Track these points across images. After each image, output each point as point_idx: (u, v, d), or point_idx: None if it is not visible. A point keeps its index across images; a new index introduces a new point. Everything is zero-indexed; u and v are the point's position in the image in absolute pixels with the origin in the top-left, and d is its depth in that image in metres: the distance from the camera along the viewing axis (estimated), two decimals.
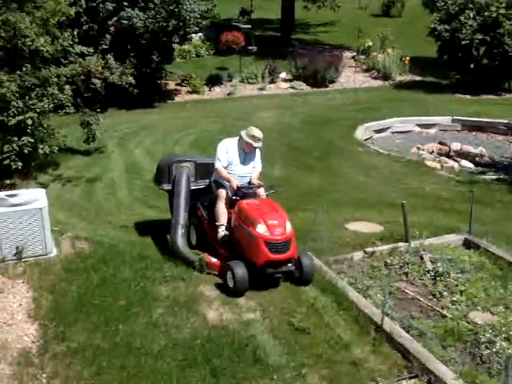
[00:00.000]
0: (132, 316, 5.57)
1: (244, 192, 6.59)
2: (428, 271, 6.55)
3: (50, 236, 6.75)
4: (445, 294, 6.11)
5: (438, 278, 6.37)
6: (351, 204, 8.79)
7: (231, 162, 6.76)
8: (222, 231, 6.56)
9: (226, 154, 6.74)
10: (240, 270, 5.99)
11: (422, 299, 6.05)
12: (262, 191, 6.78)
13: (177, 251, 6.73)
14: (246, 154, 6.81)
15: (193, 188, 7.21)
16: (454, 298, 5.98)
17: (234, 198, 6.59)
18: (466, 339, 5.32)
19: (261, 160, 7.01)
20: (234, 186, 6.60)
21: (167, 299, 5.90)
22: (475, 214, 7.32)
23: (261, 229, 6.05)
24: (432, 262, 6.71)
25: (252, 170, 6.89)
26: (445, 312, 5.77)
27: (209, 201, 6.93)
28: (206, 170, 7.23)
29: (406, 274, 6.57)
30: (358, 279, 6.40)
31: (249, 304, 5.87)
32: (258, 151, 6.94)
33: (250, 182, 6.81)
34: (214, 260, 6.60)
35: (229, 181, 6.67)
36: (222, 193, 6.62)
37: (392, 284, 6.12)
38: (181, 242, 6.76)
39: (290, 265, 6.20)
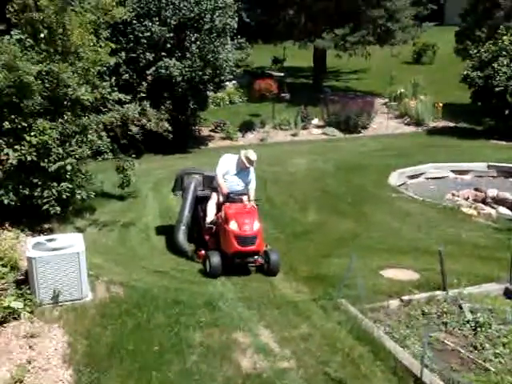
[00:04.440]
0: (165, 363, 5.53)
1: (232, 198, 8.04)
2: (468, 321, 6.34)
3: (86, 280, 6.81)
4: (486, 346, 5.89)
5: (479, 329, 6.17)
6: (386, 250, 8.67)
7: (228, 172, 8.28)
8: (207, 223, 8.22)
9: (225, 165, 8.29)
10: (215, 258, 7.51)
11: (462, 351, 5.84)
12: (245, 199, 8.20)
13: (176, 243, 8.41)
14: (241, 170, 8.29)
15: (200, 195, 8.77)
16: (497, 351, 5.75)
17: (222, 202, 8.07)
18: None
19: (256, 179, 8.56)
20: (224, 192, 8.12)
21: (201, 346, 5.84)
22: None
23: (233, 225, 7.55)
24: (472, 311, 6.51)
25: (243, 183, 8.32)
26: (487, 365, 5.55)
27: (206, 205, 8.46)
28: (212, 181, 8.63)
29: (445, 323, 6.38)
30: (395, 328, 6.24)
31: (283, 352, 5.77)
32: (252, 170, 8.42)
33: (241, 194, 8.22)
34: (202, 252, 8.10)
35: (221, 187, 8.16)
36: (214, 195, 8.38)
37: (430, 334, 5.95)
38: (181, 236, 8.42)
39: (256, 257, 7.65)
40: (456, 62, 21.89)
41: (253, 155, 8.20)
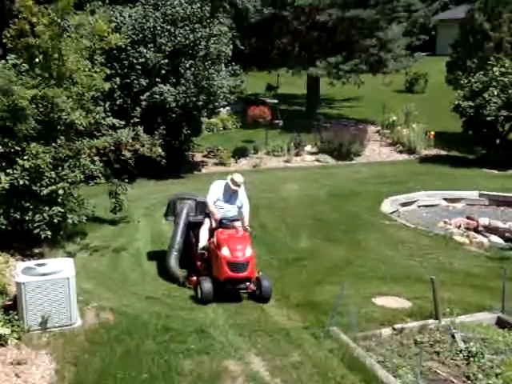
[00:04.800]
0: None
1: (224, 224, 8.04)
2: (460, 351, 6.30)
3: (76, 306, 6.73)
4: (479, 376, 5.83)
5: (472, 359, 6.12)
6: (378, 278, 8.64)
7: (219, 199, 8.30)
8: (200, 248, 8.19)
9: (216, 192, 8.31)
10: (207, 285, 7.46)
11: (455, 381, 5.79)
12: (238, 224, 8.18)
13: (168, 269, 8.36)
14: (230, 194, 8.29)
15: (193, 221, 8.74)
16: (490, 381, 5.70)
17: (215, 228, 8.05)
18: None
19: (249, 202, 8.50)
20: (216, 218, 8.15)
21: (191, 374, 5.76)
22: (508, 291, 7.11)
23: (225, 251, 7.51)
24: (464, 341, 6.47)
25: (236, 207, 8.34)
26: None
27: (198, 230, 8.43)
28: (204, 206, 8.61)
29: (438, 353, 6.33)
30: (387, 357, 6.18)
31: (274, 380, 5.70)
32: (242, 192, 8.39)
33: (234, 219, 8.21)
34: (194, 278, 8.03)
35: (213, 214, 8.18)
36: (206, 221, 8.37)
37: (423, 363, 5.89)
38: (172, 262, 8.36)
39: (247, 283, 7.58)
40: (447, 91, 22.13)
41: (239, 178, 8.27)
